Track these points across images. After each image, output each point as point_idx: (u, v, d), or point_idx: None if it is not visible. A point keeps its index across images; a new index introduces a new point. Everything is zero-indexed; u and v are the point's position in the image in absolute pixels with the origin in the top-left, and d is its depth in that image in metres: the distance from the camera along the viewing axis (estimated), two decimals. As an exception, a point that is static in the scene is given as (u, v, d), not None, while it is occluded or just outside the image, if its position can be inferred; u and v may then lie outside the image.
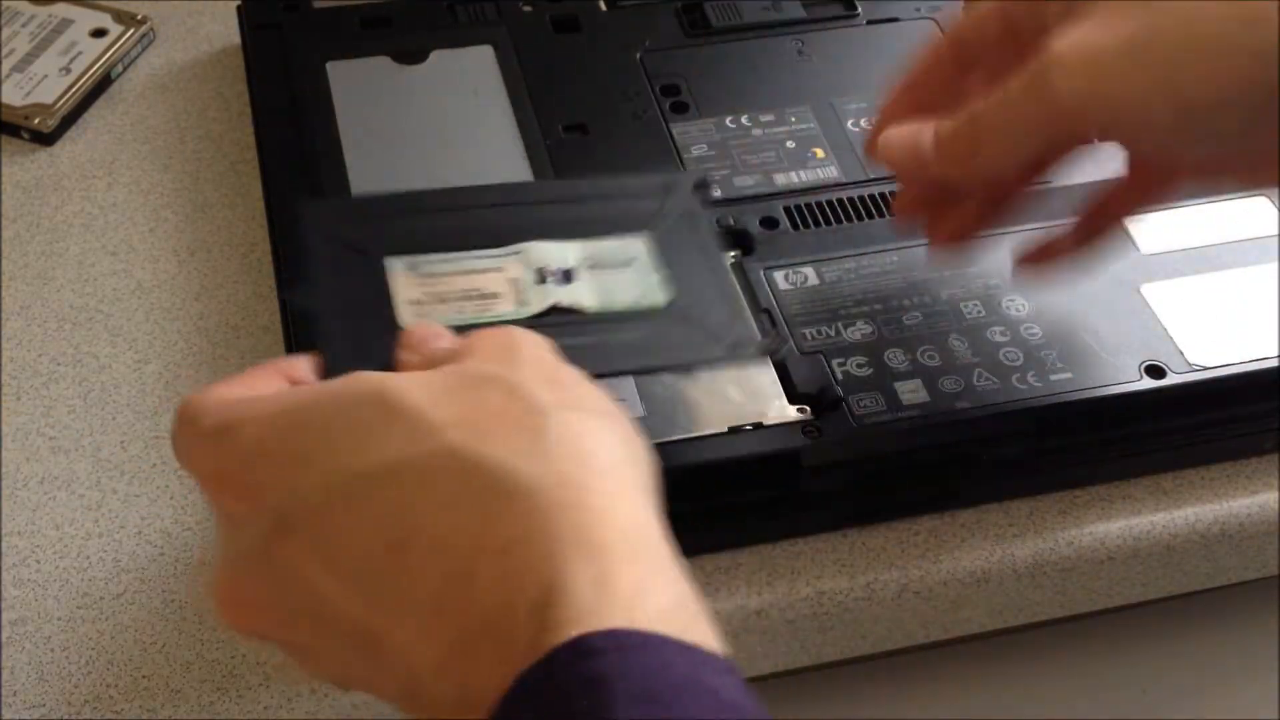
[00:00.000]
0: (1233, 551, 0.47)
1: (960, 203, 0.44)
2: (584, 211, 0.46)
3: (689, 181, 0.47)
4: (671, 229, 0.45)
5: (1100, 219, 0.44)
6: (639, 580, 0.29)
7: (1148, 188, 0.43)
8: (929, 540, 0.45)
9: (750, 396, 0.44)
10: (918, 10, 0.59)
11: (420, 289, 0.43)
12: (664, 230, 0.45)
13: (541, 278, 0.43)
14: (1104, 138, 0.39)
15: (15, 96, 0.57)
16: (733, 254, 0.48)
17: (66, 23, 0.60)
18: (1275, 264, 0.49)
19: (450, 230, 0.45)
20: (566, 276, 0.44)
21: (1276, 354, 0.46)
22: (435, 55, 0.57)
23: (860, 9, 0.59)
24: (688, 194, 0.47)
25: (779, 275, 0.48)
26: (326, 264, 0.43)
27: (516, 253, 0.44)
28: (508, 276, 0.43)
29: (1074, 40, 0.38)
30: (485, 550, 0.29)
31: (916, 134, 0.42)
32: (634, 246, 0.45)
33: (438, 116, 0.54)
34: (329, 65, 0.55)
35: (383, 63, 0.56)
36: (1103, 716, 0.51)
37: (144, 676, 0.41)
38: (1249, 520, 0.47)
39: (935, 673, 0.50)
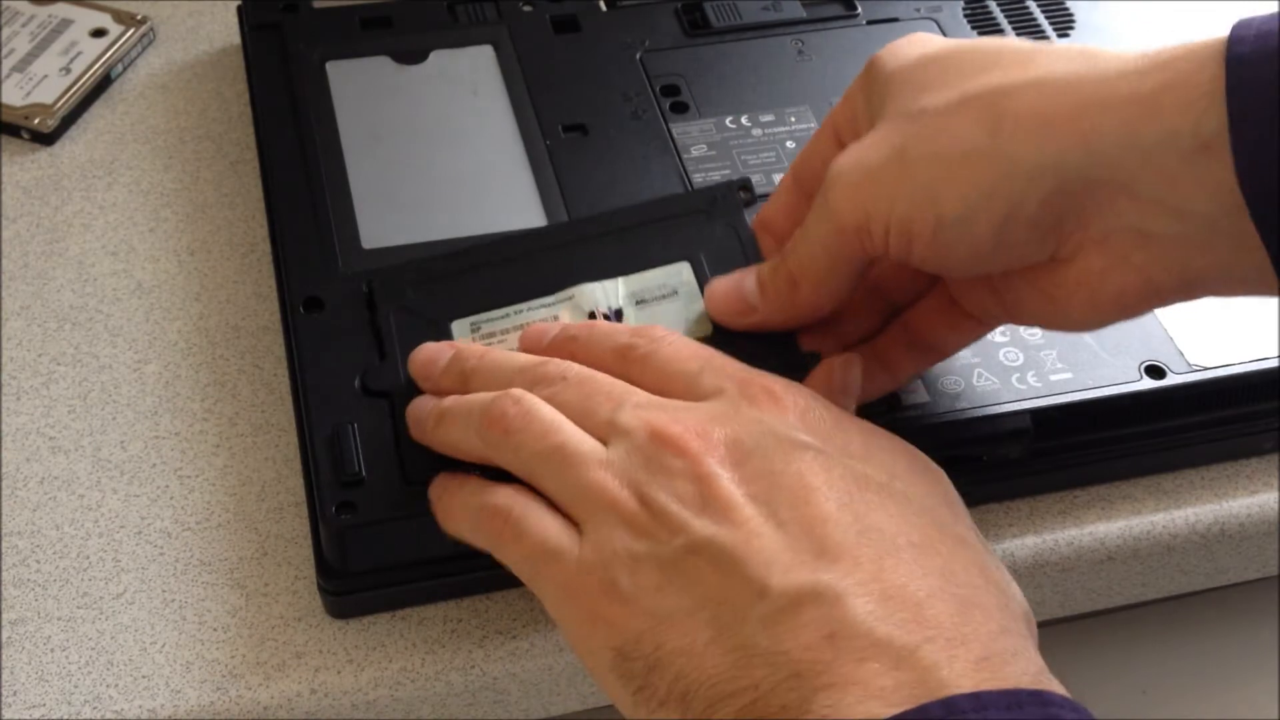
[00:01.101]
0: (1233, 551, 0.47)
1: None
2: (632, 243, 0.46)
3: (731, 193, 0.46)
4: (716, 247, 0.45)
5: (911, 347, 0.43)
6: None
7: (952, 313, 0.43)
8: (929, 540, 0.45)
9: None
10: (918, 10, 0.59)
11: None
12: (709, 250, 0.45)
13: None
14: (893, 257, 0.39)
15: (15, 96, 0.57)
16: None
17: (66, 23, 0.60)
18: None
19: (505, 281, 0.45)
20: (618, 316, 0.43)
21: (1276, 354, 0.46)
22: (435, 55, 0.57)
23: (860, 9, 0.59)
24: (731, 206, 0.46)
25: None
26: (400, 336, 0.44)
27: (569, 298, 0.44)
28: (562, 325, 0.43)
29: (849, 156, 0.39)
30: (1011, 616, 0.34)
31: (740, 282, 0.42)
32: (678, 274, 0.45)
33: (437, 116, 0.54)
34: (329, 65, 0.55)
35: (382, 63, 0.56)
36: (1103, 717, 0.51)
37: (144, 676, 0.42)
38: (1249, 520, 0.47)
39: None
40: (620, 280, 0.44)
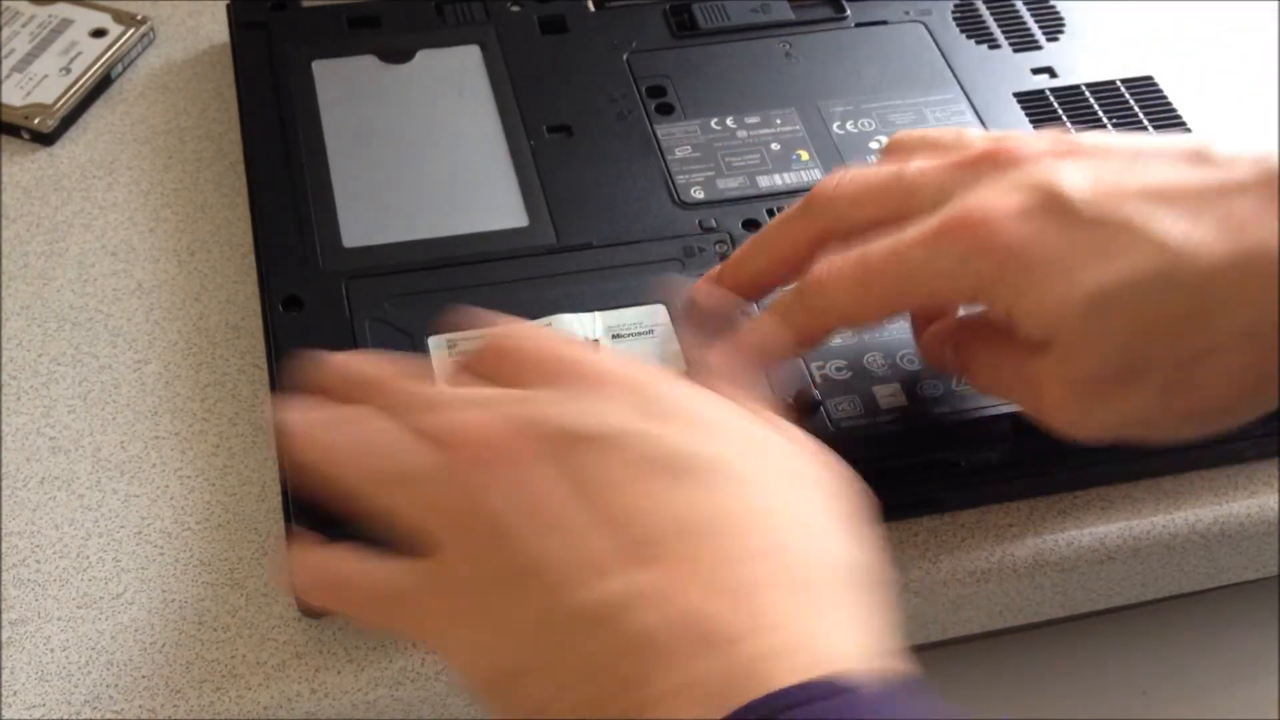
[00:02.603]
0: (1233, 552, 0.48)
1: None
2: (610, 282, 0.47)
3: (707, 246, 0.48)
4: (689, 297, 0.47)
5: None
6: None
7: None
8: (929, 540, 0.45)
9: None
10: (906, 13, 0.59)
11: None
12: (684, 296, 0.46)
13: None
14: None
15: (15, 96, 0.57)
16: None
17: (66, 23, 0.60)
18: None
19: (484, 304, 0.46)
20: None
21: None
22: (421, 55, 0.57)
23: (849, 11, 0.59)
24: (707, 259, 0.48)
25: None
26: (374, 347, 0.45)
27: (547, 324, 0.45)
28: None
29: (1058, 388, 0.39)
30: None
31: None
32: (654, 315, 0.46)
33: (422, 116, 0.54)
34: (315, 64, 0.55)
35: (369, 62, 0.56)
36: (1103, 716, 0.51)
37: (144, 676, 0.41)
38: (1249, 521, 0.47)
39: (935, 673, 0.50)
40: (599, 314, 0.46)
